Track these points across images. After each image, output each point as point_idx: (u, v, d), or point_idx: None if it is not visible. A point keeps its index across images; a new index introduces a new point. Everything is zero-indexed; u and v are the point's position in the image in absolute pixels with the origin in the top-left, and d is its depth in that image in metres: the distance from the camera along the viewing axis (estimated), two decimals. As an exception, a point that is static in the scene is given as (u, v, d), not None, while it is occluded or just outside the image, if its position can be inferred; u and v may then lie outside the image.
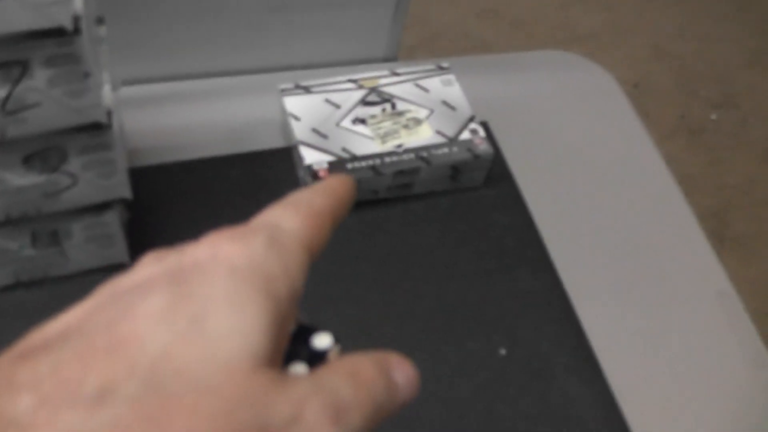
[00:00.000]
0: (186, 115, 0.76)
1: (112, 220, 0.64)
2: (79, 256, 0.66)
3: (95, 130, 0.57)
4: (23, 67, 0.52)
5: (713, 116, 1.82)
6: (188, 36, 0.77)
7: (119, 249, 0.66)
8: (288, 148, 0.75)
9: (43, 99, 0.54)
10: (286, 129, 0.74)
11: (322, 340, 0.28)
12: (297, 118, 0.71)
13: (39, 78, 0.52)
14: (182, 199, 0.71)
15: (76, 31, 0.51)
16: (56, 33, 0.51)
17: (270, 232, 0.25)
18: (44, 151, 0.57)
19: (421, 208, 0.72)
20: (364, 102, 0.73)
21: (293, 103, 0.72)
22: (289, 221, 0.26)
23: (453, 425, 0.60)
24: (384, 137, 0.70)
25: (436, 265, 0.68)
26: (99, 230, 0.64)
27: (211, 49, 0.78)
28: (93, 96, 0.55)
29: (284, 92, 0.73)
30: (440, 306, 0.66)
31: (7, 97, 0.52)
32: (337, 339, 0.28)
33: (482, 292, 0.67)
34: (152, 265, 0.25)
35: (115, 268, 0.66)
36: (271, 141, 0.75)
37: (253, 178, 0.72)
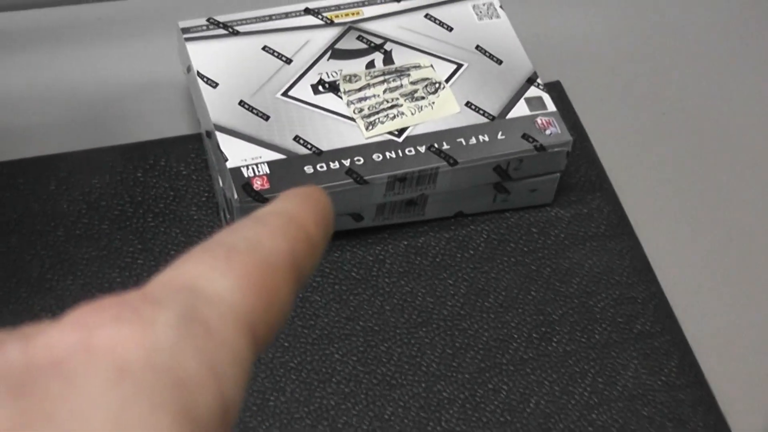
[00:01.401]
0: (2, 78, 0.48)
1: None
2: None
3: None
4: None
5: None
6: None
7: None
8: (195, 137, 0.46)
9: None
10: (191, 102, 0.46)
11: None
12: (212, 84, 0.44)
13: None
14: (14, 226, 0.42)
15: None
16: None
17: (184, 305, 0.19)
18: None
19: (441, 246, 0.45)
20: (335, 51, 0.46)
21: (204, 55, 0.45)
22: (217, 283, 0.19)
23: None
24: (371, 117, 0.43)
25: (468, 351, 0.42)
26: None
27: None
28: None
29: (188, 34, 0.45)
30: (471, 424, 0.40)
31: None
32: None
33: (561, 402, 0.41)
34: None
35: None
36: (163, 124, 0.47)
37: (131, 193, 0.43)
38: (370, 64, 0.45)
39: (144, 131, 0.46)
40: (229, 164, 0.40)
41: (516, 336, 0.41)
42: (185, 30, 0.45)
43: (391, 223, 0.44)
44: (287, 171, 0.41)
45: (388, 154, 0.42)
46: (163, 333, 0.18)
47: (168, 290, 0.19)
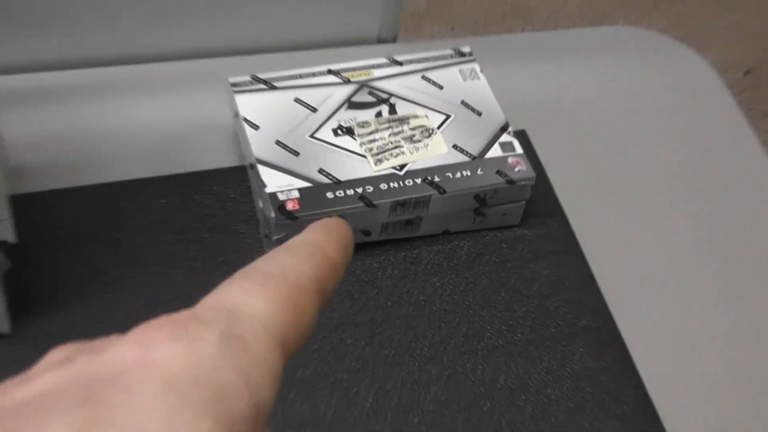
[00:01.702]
0: (91, 120, 0.56)
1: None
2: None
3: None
4: None
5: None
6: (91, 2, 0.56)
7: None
8: (241, 168, 0.53)
9: None
10: (238, 141, 0.53)
11: None
12: (254, 126, 0.51)
13: None
14: (87, 241, 0.50)
15: None
16: None
17: (226, 324, 0.20)
18: None
19: (431, 257, 0.52)
20: (351, 103, 0.53)
21: (249, 104, 0.52)
22: (254, 305, 0.20)
23: None
24: (379, 155, 0.50)
25: (452, 338, 0.49)
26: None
27: (125, 23, 0.57)
28: None
29: (236, 88, 0.52)
30: (454, 395, 0.47)
31: None
32: None
33: (523, 379, 0.47)
34: (57, 370, 0.19)
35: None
36: (216, 158, 0.55)
37: (190, 212, 0.51)
38: (379, 114, 0.52)
39: (200, 163, 0.54)
40: (268, 190, 0.47)
41: (489, 328, 0.49)
42: (234, 84, 0.53)
43: (392, 238, 0.51)
44: (313, 196, 0.48)
45: (392, 184, 0.49)
46: (207, 349, 0.19)
47: (213, 311, 0.20)
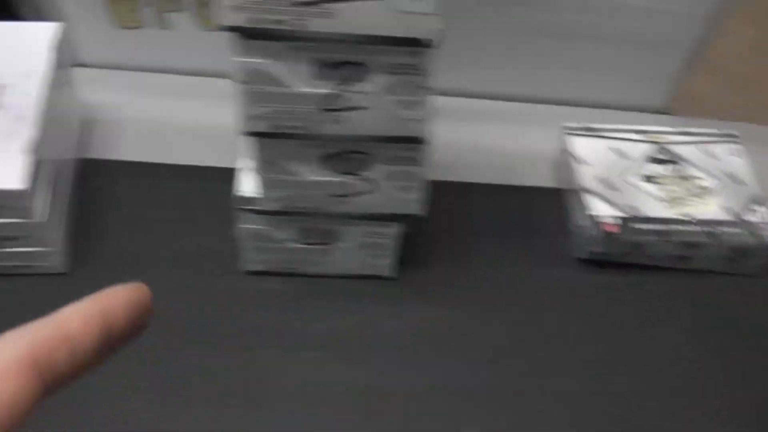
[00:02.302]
0: (466, 135, 0.74)
1: (393, 234, 0.61)
2: (343, 260, 0.64)
3: (410, 143, 0.54)
4: (362, 70, 0.50)
5: None
6: (482, 53, 0.74)
7: (388, 262, 0.64)
8: (556, 190, 0.71)
9: (373, 104, 0.51)
10: (560, 168, 0.71)
11: None
12: (585, 163, 0.68)
13: (377, 83, 0.50)
14: (448, 222, 0.68)
15: (431, 44, 0.48)
16: (411, 43, 0.48)
17: None
18: (347, 154, 0.55)
19: (697, 286, 0.68)
20: (652, 159, 0.69)
21: (580, 146, 0.69)
22: None
23: None
24: (672, 202, 0.66)
25: (704, 352, 0.64)
26: (376, 240, 0.62)
27: (503, 70, 0.75)
28: (421, 110, 0.53)
29: (569, 131, 0.70)
30: (702, 402, 0.61)
31: (335, 96, 0.50)
32: None
33: (759, 395, 0.62)
34: None
35: (377, 278, 0.64)
36: (541, 178, 0.72)
37: (522, 214, 0.69)
38: (673, 171, 0.68)
39: (529, 179, 0.72)
40: (592, 213, 0.64)
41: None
42: (567, 128, 0.70)
43: (667, 266, 0.67)
44: (626, 224, 0.63)
45: (680, 227, 0.64)
46: None
47: None
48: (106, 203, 0.66)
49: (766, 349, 0.65)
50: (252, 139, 0.53)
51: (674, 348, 0.64)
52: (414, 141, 0.54)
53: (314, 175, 0.55)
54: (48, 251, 0.61)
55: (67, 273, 0.62)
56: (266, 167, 0.55)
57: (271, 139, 0.53)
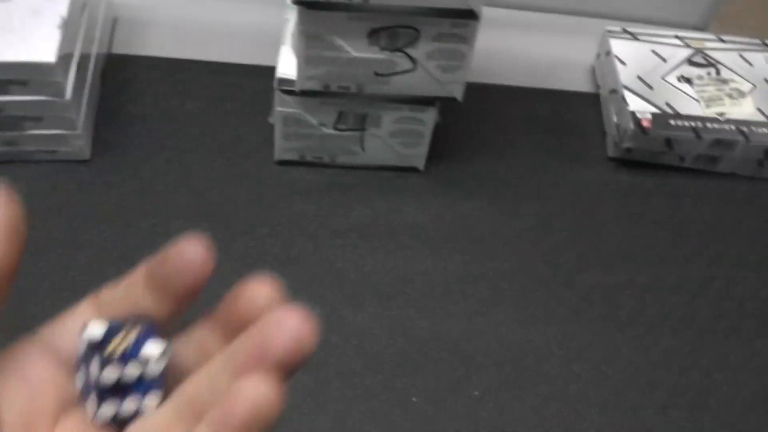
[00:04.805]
0: (505, 43, 0.75)
1: (429, 120, 0.62)
2: (375, 149, 0.64)
3: (462, 18, 0.54)
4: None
5: None
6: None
7: (419, 152, 0.65)
8: (594, 95, 0.72)
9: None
10: (597, 73, 0.71)
11: (149, 349, 0.25)
12: (623, 62, 0.68)
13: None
14: (479, 121, 0.69)
15: None
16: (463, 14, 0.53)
17: None
18: (395, 29, 0.55)
19: (722, 189, 0.69)
20: (690, 61, 0.70)
21: (620, 47, 0.70)
22: None
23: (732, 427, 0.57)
24: (708, 101, 0.67)
25: (728, 251, 0.66)
26: (410, 126, 0.62)
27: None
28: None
29: (611, 34, 0.70)
30: (729, 294, 0.63)
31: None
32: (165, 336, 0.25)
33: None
34: None
35: (406, 171, 0.65)
36: (578, 83, 0.73)
37: (555, 116, 0.70)
38: (709, 73, 0.69)
39: (566, 84, 0.73)
40: (630, 108, 0.65)
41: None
42: (609, 32, 0.71)
43: (696, 167, 0.67)
44: (660, 120, 0.64)
45: (714, 125, 0.65)
46: None
47: None
48: (133, 96, 0.67)
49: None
50: (299, 9, 0.53)
51: (698, 245, 0.65)
52: (465, 15, 0.54)
53: (358, 51, 0.56)
54: (72, 134, 0.61)
55: (90, 160, 0.63)
56: (310, 43, 0.56)
57: (319, 11, 0.53)
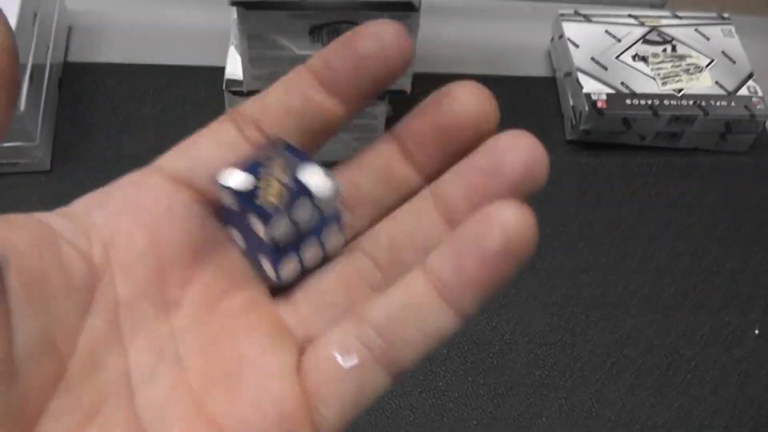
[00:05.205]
0: (458, 31, 0.75)
1: (380, 113, 0.62)
2: (329, 145, 0.64)
3: (401, 11, 0.54)
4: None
5: None
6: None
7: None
8: (550, 79, 0.71)
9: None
10: (552, 57, 0.71)
11: (314, 180, 0.21)
12: (576, 45, 0.68)
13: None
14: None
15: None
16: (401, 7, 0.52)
17: None
18: (336, 24, 0.55)
19: (684, 164, 0.68)
20: (645, 40, 0.70)
21: (572, 30, 0.69)
22: None
23: (702, 393, 0.57)
24: (664, 79, 0.67)
25: (692, 226, 0.65)
26: (362, 121, 0.62)
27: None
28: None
29: (563, 18, 0.70)
30: (696, 268, 0.63)
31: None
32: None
33: (739, 263, 0.63)
34: None
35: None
36: (533, 68, 0.72)
37: (512, 102, 0.70)
38: (664, 50, 0.69)
39: (523, 70, 0.72)
40: (584, 91, 0.65)
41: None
42: (562, 15, 0.70)
43: (657, 145, 0.67)
44: (616, 100, 0.64)
45: (672, 102, 0.65)
46: None
47: None
48: (90, 104, 0.67)
49: (748, 220, 0.66)
50: (238, 10, 0.53)
51: (662, 222, 0.65)
52: (404, 8, 0.54)
53: (302, 49, 0.56)
54: (31, 146, 0.61)
55: (51, 170, 0.62)
56: (252, 43, 0.55)
57: (258, 11, 0.53)
